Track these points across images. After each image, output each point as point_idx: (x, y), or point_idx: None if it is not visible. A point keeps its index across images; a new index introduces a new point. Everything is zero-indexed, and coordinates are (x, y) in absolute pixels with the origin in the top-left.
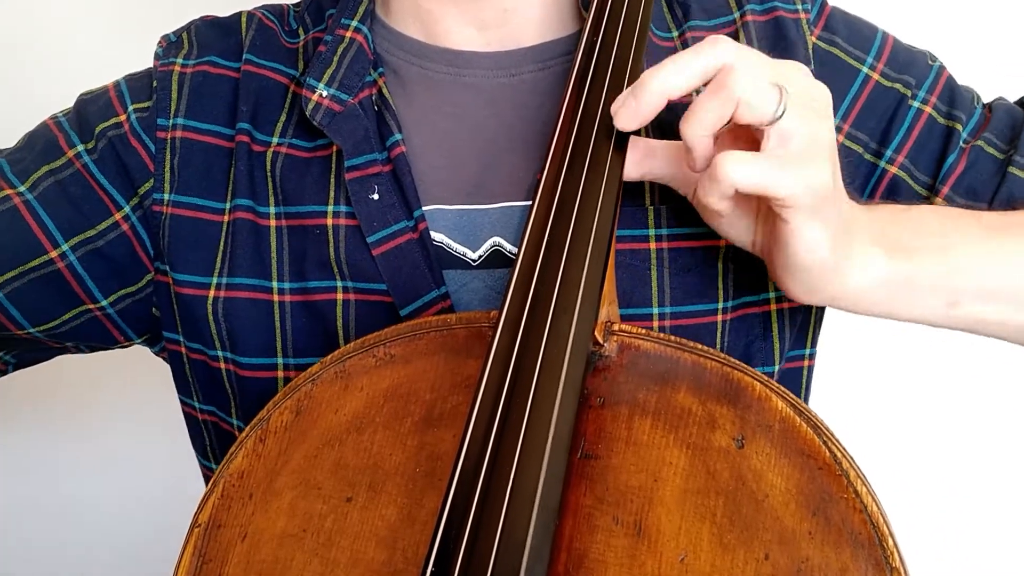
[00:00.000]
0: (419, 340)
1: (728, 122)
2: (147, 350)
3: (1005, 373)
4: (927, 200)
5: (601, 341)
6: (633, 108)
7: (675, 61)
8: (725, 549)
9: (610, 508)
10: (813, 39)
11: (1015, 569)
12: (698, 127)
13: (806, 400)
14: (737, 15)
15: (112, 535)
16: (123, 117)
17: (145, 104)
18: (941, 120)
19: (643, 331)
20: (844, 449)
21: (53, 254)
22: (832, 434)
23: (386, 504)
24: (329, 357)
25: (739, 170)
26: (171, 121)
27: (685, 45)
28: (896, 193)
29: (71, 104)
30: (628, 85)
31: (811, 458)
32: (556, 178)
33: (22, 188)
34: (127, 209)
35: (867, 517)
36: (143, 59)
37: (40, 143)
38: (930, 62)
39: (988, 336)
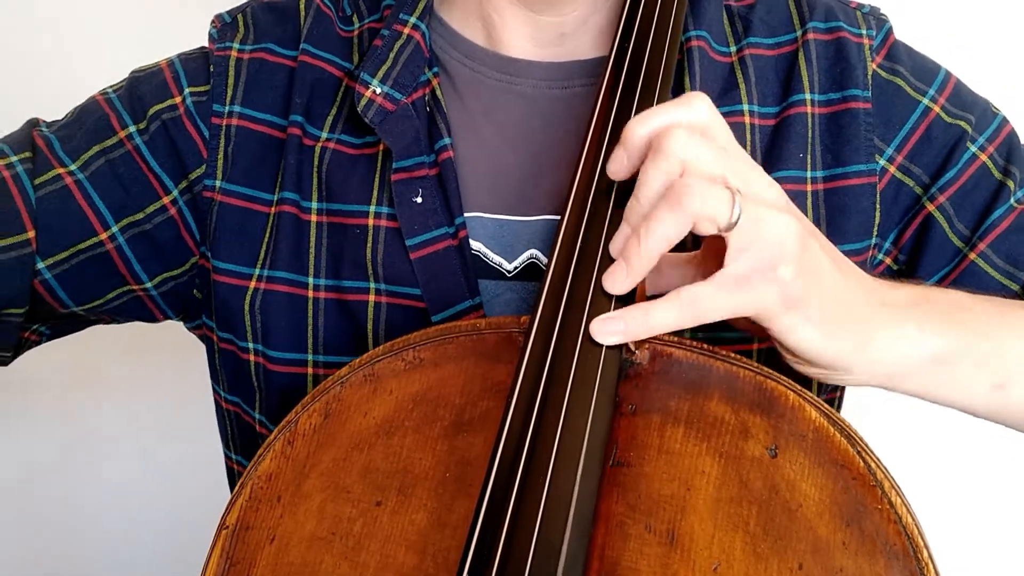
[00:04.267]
0: (449, 344)
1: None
2: (184, 336)
3: None
4: (959, 254)
5: (633, 349)
6: (624, 275)
7: (655, 225)
8: (758, 559)
9: (643, 516)
10: (874, 66)
11: None
12: (659, 245)
13: (838, 407)
14: (799, 33)
15: (143, 534)
16: (178, 99)
17: (202, 88)
18: (995, 173)
19: (675, 339)
20: (878, 460)
21: (103, 235)
22: (866, 444)
23: (416, 509)
24: (358, 360)
25: (705, 305)
26: (227, 108)
27: (743, 63)
28: (927, 236)
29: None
30: (660, 92)
31: (845, 468)
32: (588, 187)
33: (73, 167)
34: (175, 193)
35: (902, 528)
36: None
37: (91, 121)
38: (994, 111)
39: None
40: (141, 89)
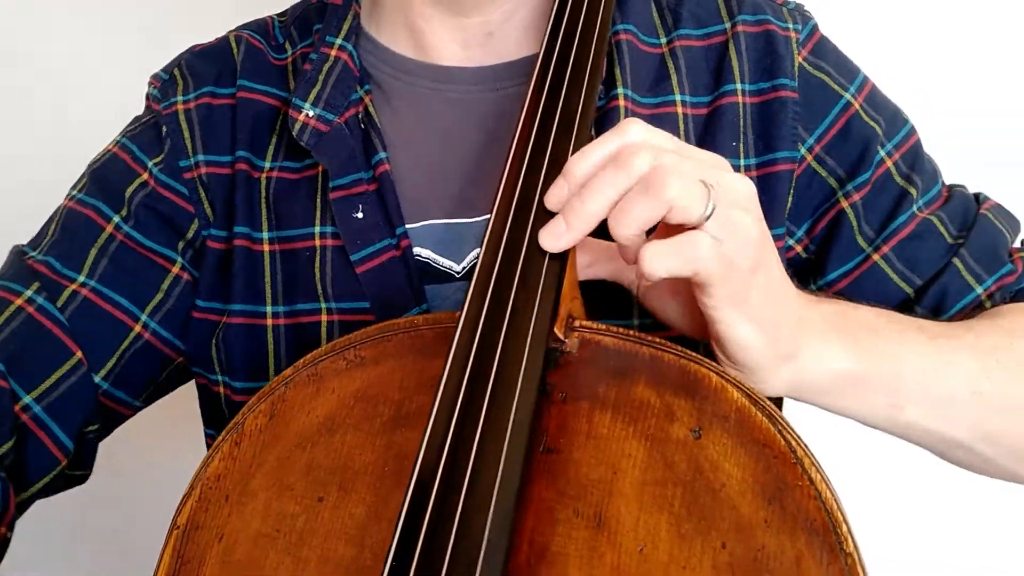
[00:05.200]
0: (388, 342)
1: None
2: None
3: None
4: (864, 254)
5: (563, 337)
6: (562, 231)
7: (600, 185)
8: (683, 539)
9: (571, 501)
10: (800, 59)
11: (971, 553)
12: (630, 228)
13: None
14: (728, 25)
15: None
16: (145, 175)
17: (160, 155)
18: (898, 179)
19: (603, 327)
20: (799, 437)
21: (137, 328)
22: (787, 423)
23: (355, 503)
24: (302, 361)
25: (663, 263)
26: (192, 160)
27: (673, 54)
28: (837, 232)
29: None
30: (588, 87)
31: (766, 447)
32: (516, 180)
33: (82, 278)
34: (179, 260)
35: (821, 504)
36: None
37: (75, 228)
38: (904, 118)
39: (915, 443)
40: (107, 178)
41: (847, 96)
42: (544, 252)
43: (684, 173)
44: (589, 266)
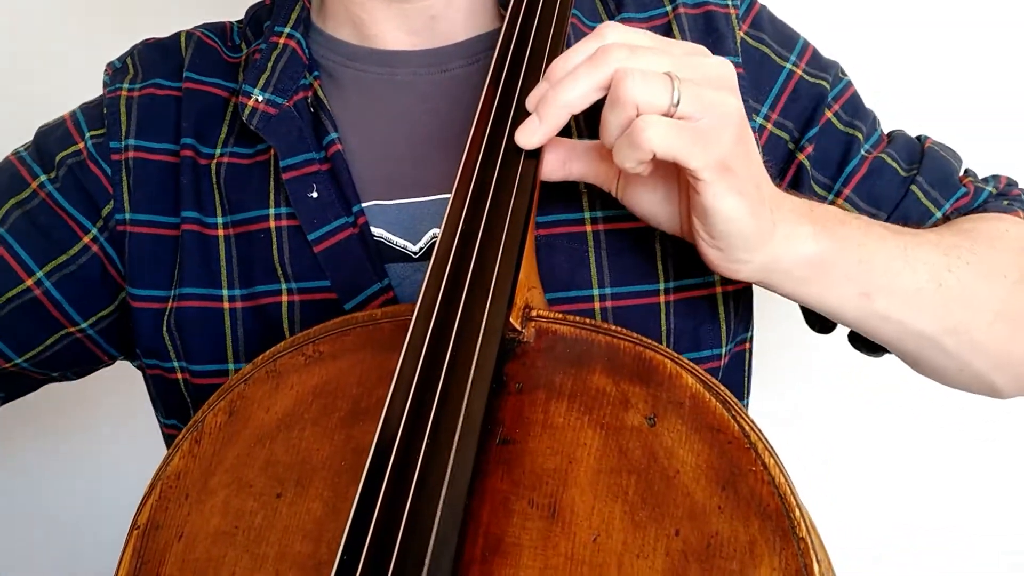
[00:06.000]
0: (346, 336)
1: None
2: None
3: None
4: (827, 201)
5: (519, 327)
6: (536, 126)
7: (575, 78)
8: (637, 527)
9: (526, 492)
10: (741, 34)
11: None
12: (612, 135)
13: (749, 382)
14: (669, 8)
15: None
16: (81, 144)
17: (100, 131)
18: (841, 127)
19: (559, 315)
20: (753, 422)
21: (29, 282)
22: (741, 408)
23: (313, 498)
24: (261, 357)
25: (655, 135)
26: (123, 143)
27: None
28: (799, 184)
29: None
30: (546, 68)
31: (720, 432)
32: (472, 168)
33: None
34: (94, 232)
35: (775, 489)
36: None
37: (4, 179)
38: (841, 75)
39: (883, 341)
40: (47, 141)
41: (789, 65)
42: (500, 241)
43: (645, 71)
44: (564, 164)
